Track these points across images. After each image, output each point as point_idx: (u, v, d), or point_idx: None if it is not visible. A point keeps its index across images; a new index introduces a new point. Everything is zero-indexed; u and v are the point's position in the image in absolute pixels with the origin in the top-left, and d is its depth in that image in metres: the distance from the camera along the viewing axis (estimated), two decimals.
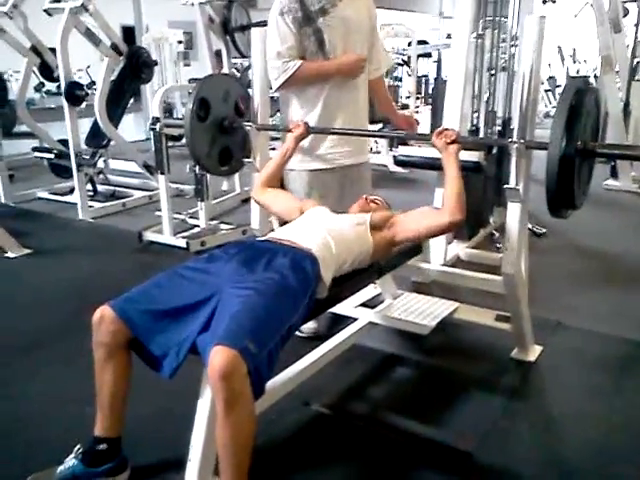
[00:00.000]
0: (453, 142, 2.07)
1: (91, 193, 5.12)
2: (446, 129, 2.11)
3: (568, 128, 1.83)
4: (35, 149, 5.54)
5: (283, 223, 2.19)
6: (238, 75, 6.83)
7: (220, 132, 2.64)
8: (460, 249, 3.53)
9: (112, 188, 5.47)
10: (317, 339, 2.44)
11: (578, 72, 13.47)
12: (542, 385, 2.38)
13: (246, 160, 2.71)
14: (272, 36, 2.44)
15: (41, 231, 4.42)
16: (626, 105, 5.72)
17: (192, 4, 4.86)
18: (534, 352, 2.49)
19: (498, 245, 3.61)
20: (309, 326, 2.63)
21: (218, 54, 5.20)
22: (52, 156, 5.29)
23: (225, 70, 5.10)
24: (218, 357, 1.31)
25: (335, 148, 2.53)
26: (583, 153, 1.90)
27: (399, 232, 2.03)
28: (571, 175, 1.86)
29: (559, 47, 11.92)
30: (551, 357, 2.48)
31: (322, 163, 2.53)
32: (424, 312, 2.57)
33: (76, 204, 4.72)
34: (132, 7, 8.04)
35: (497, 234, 3.78)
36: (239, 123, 2.66)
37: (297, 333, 2.57)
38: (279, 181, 2.40)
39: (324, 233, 1.85)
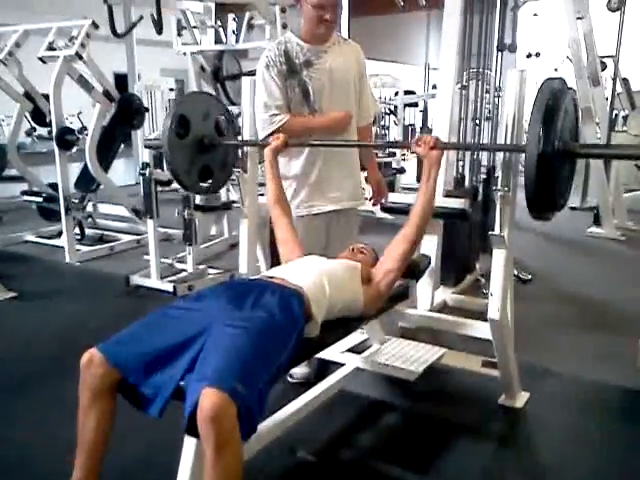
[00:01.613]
0: (433, 148, 2.06)
1: (79, 237, 5.11)
2: (424, 136, 2.11)
3: (546, 127, 1.82)
4: (24, 192, 5.56)
5: (272, 266, 2.20)
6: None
7: (200, 150, 2.57)
8: (447, 295, 3.55)
9: (100, 232, 5.47)
10: (309, 385, 2.41)
11: None
12: (530, 432, 2.37)
13: (235, 205, 2.74)
14: (259, 89, 2.49)
15: (27, 274, 4.39)
16: None
17: (184, 53, 4.98)
18: (521, 398, 2.49)
19: (484, 291, 3.64)
20: (301, 371, 2.62)
21: None
22: (41, 200, 5.31)
23: None
24: (207, 400, 1.31)
25: (320, 193, 2.54)
26: (562, 153, 1.88)
27: (380, 280, 2.04)
28: (551, 175, 1.84)
29: None
30: (538, 403, 2.48)
31: (307, 209, 2.54)
32: (411, 358, 2.57)
33: (63, 247, 4.71)
34: (125, 55, 8.19)
35: (483, 280, 3.80)
36: (219, 141, 2.61)
37: (289, 379, 2.57)
38: (284, 194, 2.38)
39: (318, 273, 1.87)
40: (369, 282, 2.03)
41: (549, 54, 7.02)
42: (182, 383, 1.46)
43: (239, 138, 2.70)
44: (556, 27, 6.92)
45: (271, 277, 1.87)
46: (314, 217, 2.56)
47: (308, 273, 1.87)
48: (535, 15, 6.29)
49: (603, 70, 6.27)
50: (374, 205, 2.99)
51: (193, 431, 1.36)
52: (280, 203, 2.32)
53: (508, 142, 2.09)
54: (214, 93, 5.09)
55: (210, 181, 2.70)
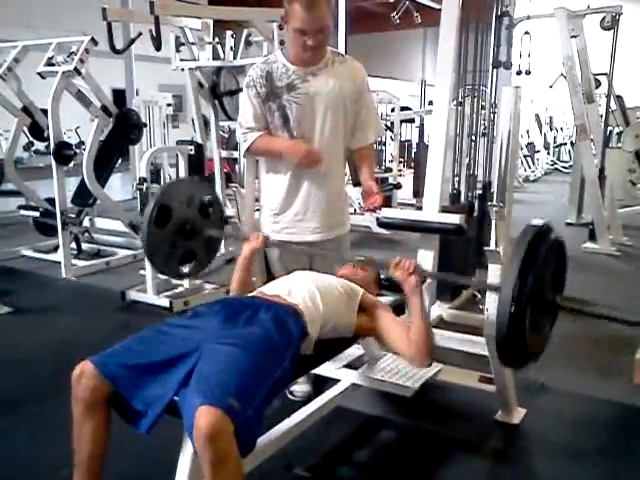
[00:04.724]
0: (411, 274, 1.87)
1: (75, 252, 5.11)
2: (404, 260, 1.90)
3: (521, 277, 1.58)
4: (21, 207, 5.55)
5: (266, 282, 2.19)
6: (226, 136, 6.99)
7: (182, 237, 2.31)
8: (443, 310, 3.54)
9: (97, 247, 5.47)
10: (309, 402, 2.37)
11: (555, 139, 13.95)
12: (527, 448, 2.36)
13: (231, 220, 2.73)
14: (240, 107, 2.47)
15: (23, 289, 4.37)
16: (601, 171, 5.91)
17: (182, 69, 5.02)
18: (518, 414, 2.48)
19: (480, 306, 3.64)
20: (302, 389, 2.61)
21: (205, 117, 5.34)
22: (37, 214, 5.31)
23: (212, 133, 5.21)
24: (202, 418, 1.30)
25: (301, 223, 2.44)
26: (540, 305, 1.68)
27: (377, 329, 1.97)
28: (523, 325, 1.60)
29: (537, 115, 12.38)
30: (535, 420, 2.48)
31: (288, 235, 2.45)
32: (407, 373, 2.56)
33: (60, 262, 4.69)
34: (124, 71, 8.26)
35: (479, 295, 3.80)
36: (202, 228, 2.35)
37: (290, 396, 2.55)
38: (249, 284, 2.22)
39: (313, 289, 1.86)
40: (366, 311, 1.97)
41: (542, 72, 7.13)
42: (176, 398, 1.46)
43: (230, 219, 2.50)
44: (548, 45, 6.99)
45: (267, 294, 1.87)
46: (296, 244, 2.45)
47: (302, 289, 1.86)
48: (527, 33, 6.37)
49: (597, 87, 6.34)
50: (368, 211, 2.84)
51: None
52: (241, 291, 2.14)
53: (503, 158, 2.10)
54: (212, 109, 5.13)
55: (193, 263, 2.43)
